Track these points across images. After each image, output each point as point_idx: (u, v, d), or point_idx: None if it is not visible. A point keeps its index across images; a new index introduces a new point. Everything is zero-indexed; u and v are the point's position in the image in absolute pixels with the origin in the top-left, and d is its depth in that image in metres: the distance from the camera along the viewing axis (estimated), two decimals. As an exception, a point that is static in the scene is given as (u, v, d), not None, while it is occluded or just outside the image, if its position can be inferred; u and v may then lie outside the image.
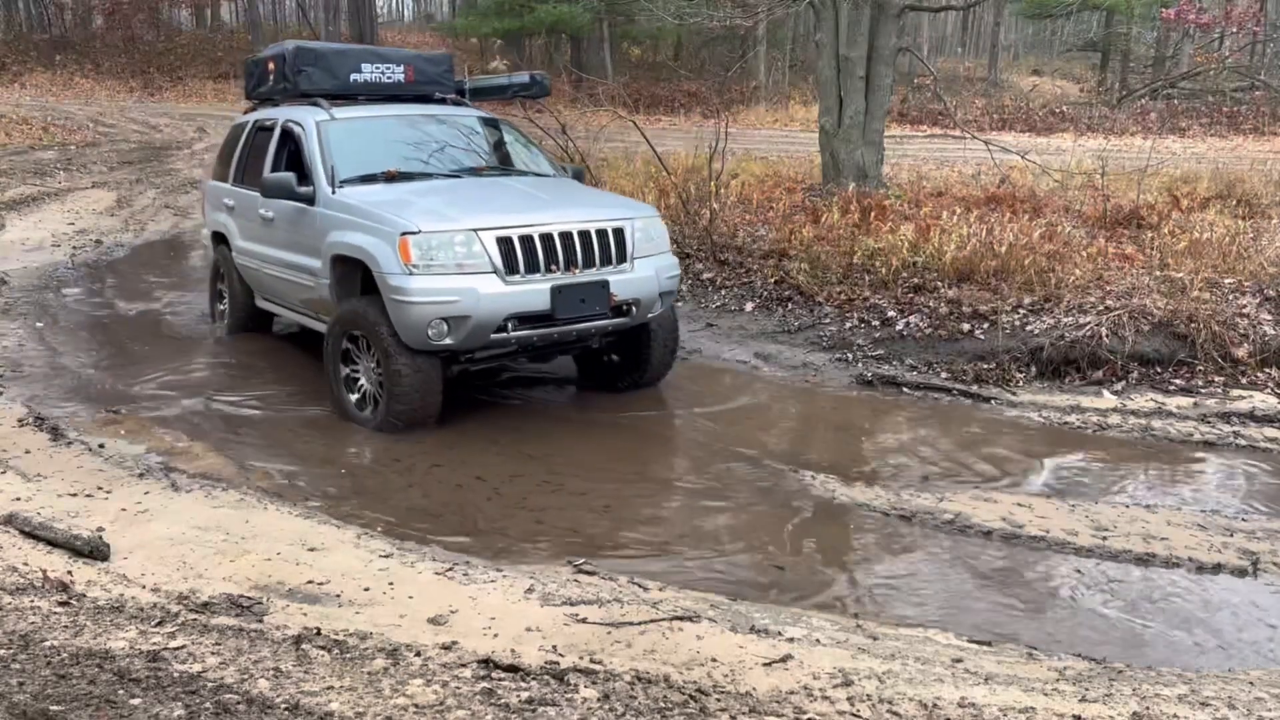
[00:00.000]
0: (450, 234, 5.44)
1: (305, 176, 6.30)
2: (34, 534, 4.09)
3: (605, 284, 5.74)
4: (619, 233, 5.87)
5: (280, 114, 7.13)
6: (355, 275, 5.86)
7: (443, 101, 7.53)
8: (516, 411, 6.32)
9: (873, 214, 9.10)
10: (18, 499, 4.54)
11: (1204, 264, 7.43)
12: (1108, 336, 6.64)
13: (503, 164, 7.05)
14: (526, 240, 5.53)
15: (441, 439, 5.63)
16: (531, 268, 5.53)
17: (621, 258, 5.86)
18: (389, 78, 7.31)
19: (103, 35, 33.26)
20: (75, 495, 4.64)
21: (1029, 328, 6.98)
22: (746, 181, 11.63)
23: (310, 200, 6.18)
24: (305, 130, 6.57)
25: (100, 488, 4.74)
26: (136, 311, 8.67)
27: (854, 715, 2.91)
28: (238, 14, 40.37)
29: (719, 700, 2.96)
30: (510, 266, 5.48)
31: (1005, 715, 2.93)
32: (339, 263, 5.93)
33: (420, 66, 7.49)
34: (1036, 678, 3.23)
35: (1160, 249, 7.96)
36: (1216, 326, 6.56)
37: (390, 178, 6.30)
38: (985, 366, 6.81)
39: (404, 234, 5.39)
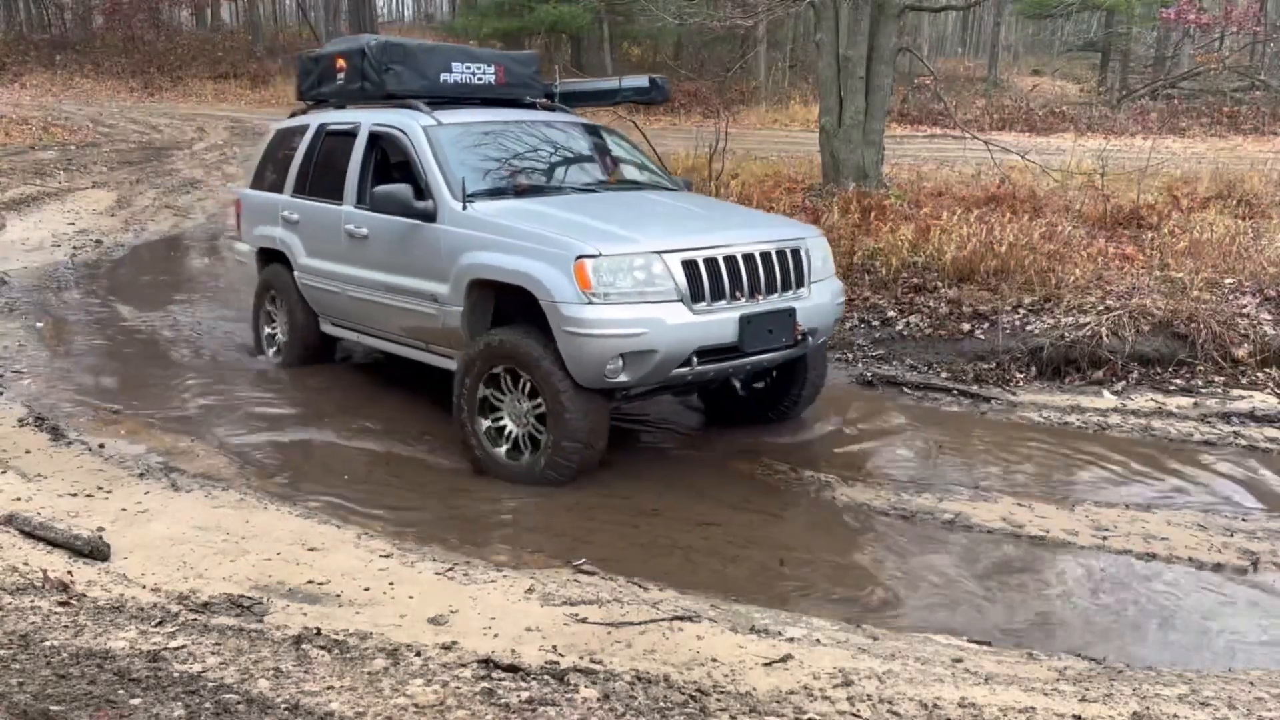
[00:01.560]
0: (631, 257, 4.81)
1: (418, 189, 5.60)
2: (34, 534, 4.09)
3: (792, 312, 5.18)
4: (796, 254, 5.33)
5: (362, 117, 6.37)
6: (489, 302, 5.30)
7: (533, 106, 6.86)
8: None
9: (873, 214, 9.11)
10: (18, 499, 4.54)
11: (1204, 264, 7.43)
12: (1108, 336, 6.64)
13: (624, 176, 6.46)
14: (711, 263, 4.93)
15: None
16: (717, 294, 4.94)
17: (800, 281, 5.32)
18: (480, 79, 6.60)
19: (103, 35, 33.29)
20: (75, 495, 4.64)
21: (1029, 328, 6.98)
22: (747, 181, 11.61)
23: (429, 216, 5.47)
24: (411, 137, 5.83)
25: (100, 488, 4.74)
26: (136, 311, 8.66)
27: (854, 715, 2.91)
28: (238, 14, 40.43)
29: (719, 700, 2.96)
30: (696, 293, 4.87)
31: (1005, 715, 2.93)
32: (475, 288, 5.26)
33: (510, 67, 6.79)
34: (1036, 678, 3.23)
35: (1160, 249, 7.96)
36: (1216, 326, 6.56)
37: (520, 191, 5.70)
38: (985, 366, 6.82)
39: (581, 257, 4.72)
